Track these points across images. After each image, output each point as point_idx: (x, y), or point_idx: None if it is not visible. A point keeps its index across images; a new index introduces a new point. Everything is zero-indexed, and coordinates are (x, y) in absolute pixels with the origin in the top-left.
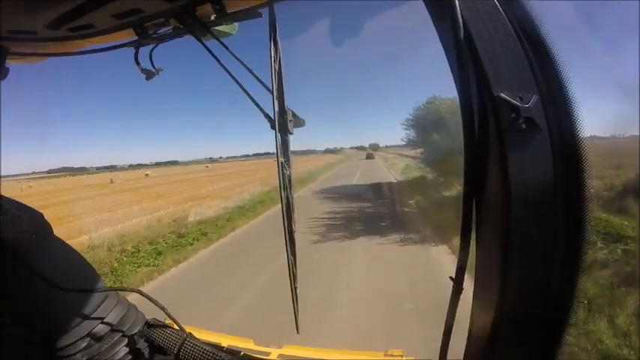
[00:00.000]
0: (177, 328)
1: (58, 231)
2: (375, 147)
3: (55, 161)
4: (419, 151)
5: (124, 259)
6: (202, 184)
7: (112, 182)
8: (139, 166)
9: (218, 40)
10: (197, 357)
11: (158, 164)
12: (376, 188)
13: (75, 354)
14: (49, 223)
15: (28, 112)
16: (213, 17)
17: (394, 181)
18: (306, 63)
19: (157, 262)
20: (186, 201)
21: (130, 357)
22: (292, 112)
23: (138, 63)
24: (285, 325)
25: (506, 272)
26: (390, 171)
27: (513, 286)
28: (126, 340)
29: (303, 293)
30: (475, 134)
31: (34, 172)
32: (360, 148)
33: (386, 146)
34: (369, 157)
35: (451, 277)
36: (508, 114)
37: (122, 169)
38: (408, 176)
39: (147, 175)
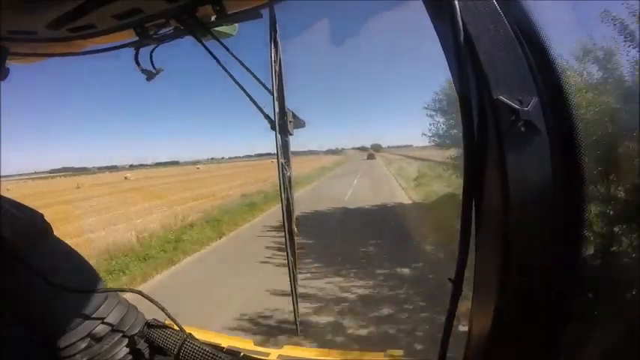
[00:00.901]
0: (177, 328)
1: None
2: (377, 148)
3: (59, 161)
4: (449, 153)
5: None
6: (157, 195)
7: (77, 187)
8: (140, 166)
9: (218, 40)
10: (197, 357)
11: (159, 164)
12: (379, 220)
13: (75, 354)
14: (49, 223)
15: (30, 112)
16: (213, 18)
17: (408, 201)
18: (307, 64)
19: None
20: (93, 230)
21: (130, 357)
22: (292, 113)
23: (138, 63)
24: None
25: (506, 274)
26: (397, 180)
27: (512, 288)
28: (126, 341)
29: None
30: (475, 137)
31: (35, 172)
32: (362, 149)
33: (388, 147)
34: (370, 157)
35: (450, 279)
36: (508, 117)
37: (123, 169)
38: (428, 193)
39: (126, 178)
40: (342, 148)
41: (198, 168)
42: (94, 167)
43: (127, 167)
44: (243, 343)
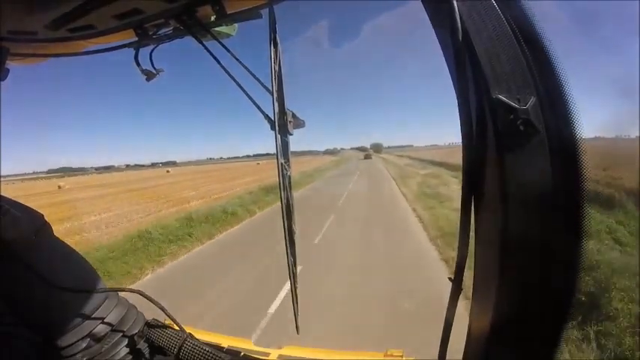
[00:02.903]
0: (177, 328)
1: None
2: (378, 147)
3: (59, 161)
4: None
5: None
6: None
7: None
8: (136, 166)
9: (218, 40)
10: (197, 357)
11: (154, 165)
12: None
13: (75, 354)
14: (49, 223)
15: (30, 113)
16: (213, 18)
17: None
18: (307, 63)
19: None
20: None
21: (130, 357)
22: (292, 113)
23: (138, 64)
24: None
25: (505, 272)
26: (427, 234)
27: (512, 286)
28: (126, 341)
29: None
30: (473, 136)
31: (34, 172)
32: (361, 149)
33: (388, 147)
34: (367, 157)
35: (450, 278)
36: (506, 116)
37: (119, 169)
38: None
39: (60, 187)
40: (341, 148)
41: (168, 171)
42: (91, 167)
43: (124, 167)
44: (243, 343)
